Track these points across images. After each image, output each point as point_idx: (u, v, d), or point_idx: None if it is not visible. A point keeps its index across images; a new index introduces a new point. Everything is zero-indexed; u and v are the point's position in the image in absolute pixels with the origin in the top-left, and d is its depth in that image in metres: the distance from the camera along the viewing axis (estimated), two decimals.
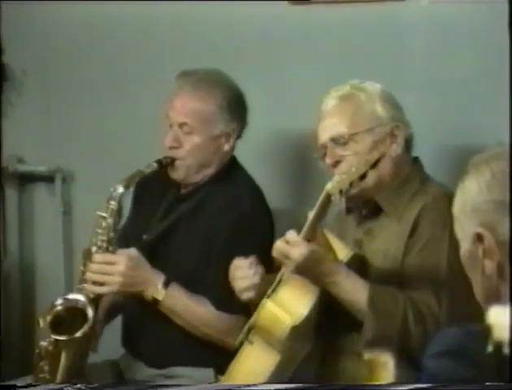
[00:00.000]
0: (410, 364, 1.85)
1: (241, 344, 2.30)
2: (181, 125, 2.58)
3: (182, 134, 2.58)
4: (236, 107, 2.61)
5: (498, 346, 1.34)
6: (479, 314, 1.58)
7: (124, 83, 2.88)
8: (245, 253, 2.42)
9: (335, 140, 2.30)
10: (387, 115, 2.31)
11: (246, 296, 2.30)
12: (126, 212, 2.62)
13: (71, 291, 2.65)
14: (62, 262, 3.29)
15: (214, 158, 2.61)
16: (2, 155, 3.35)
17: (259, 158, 2.95)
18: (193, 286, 2.55)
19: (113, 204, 2.54)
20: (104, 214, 2.54)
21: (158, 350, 2.61)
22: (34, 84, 3.36)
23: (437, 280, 2.18)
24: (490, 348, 1.34)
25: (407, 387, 1.49)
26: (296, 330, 2.19)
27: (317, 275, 2.17)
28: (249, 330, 2.27)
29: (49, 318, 2.50)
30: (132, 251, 2.55)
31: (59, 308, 2.51)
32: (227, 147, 2.62)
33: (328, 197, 2.12)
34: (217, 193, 2.61)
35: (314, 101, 2.40)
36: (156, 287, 2.52)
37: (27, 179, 3.40)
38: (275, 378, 2.21)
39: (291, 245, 2.13)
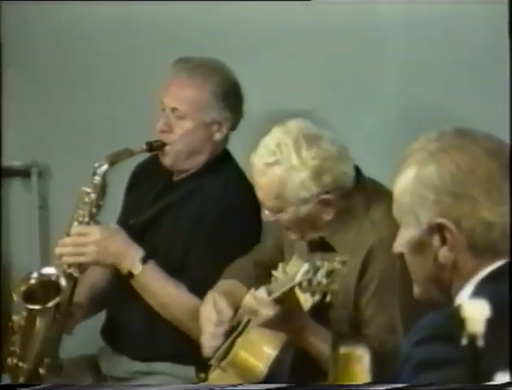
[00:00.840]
0: None
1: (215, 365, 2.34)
2: (173, 110, 2.58)
3: (174, 119, 2.59)
4: (231, 96, 2.60)
5: (472, 339, 1.34)
6: None
7: (101, 76, 2.87)
8: (229, 245, 2.45)
9: (267, 208, 2.31)
10: (312, 190, 2.22)
11: (209, 344, 2.33)
12: (111, 189, 2.59)
13: None
14: (38, 257, 3.28)
15: (204, 146, 2.61)
16: None
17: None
18: (174, 273, 2.54)
19: (97, 179, 2.53)
20: (87, 189, 2.53)
21: (141, 343, 2.60)
22: (10, 77, 3.34)
23: (395, 325, 2.20)
24: (464, 341, 1.35)
25: (387, 387, 1.49)
26: (269, 371, 2.23)
27: (284, 331, 2.20)
28: (222, 358, 2.30)
29: (22, 289, 2.49)
30: (112, 225, 2.55)
31: (33, 281, 2.50)
32: (218, 136, 2.61)
33: (295, 287, 2.09)
34: (207, 184, 2.61)
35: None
36: (133, 260, 2.50)
37: (2, 174, 3.37)
38: None
39: (259, 304, 2.15)
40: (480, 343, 1.35)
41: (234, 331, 2.35)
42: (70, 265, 2.51)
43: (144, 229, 2.63)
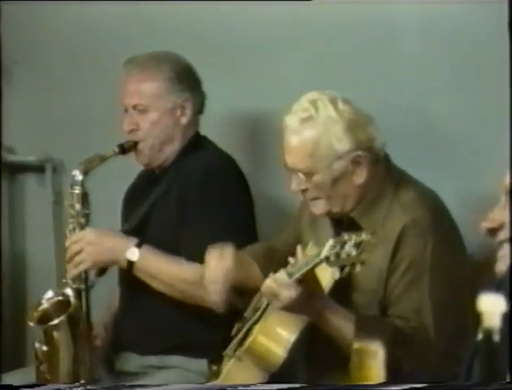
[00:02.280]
0: None
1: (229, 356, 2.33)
2: (135, 107, 2.61)
3: (138, 115, 2.61)
4: (186, 77, 2.63)
5: (488, 334, 1.33)
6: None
7: (114, 72, 2.86)
8: (216, 212, 2.48)
9: (296, 172, 2.30)
10: (346, 146, 2.25)
11: (215, 295, 2.32)
12: (93, 197, 2.62)
13: (61, 277, 2.65)
14: (53, 252, 3.29)
15: (174, 132, 2.63)
16: None
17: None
18: (171, 253, 2.54)
19: (77, 189, 2.56)
20: (70, 202, 2.57)
21: (153, 337, 2.60)
22: (24, 73, 3.35)
23: (422, 305, 2.20)
24: (480, 336, 1.34)
25: (402, 387, 1.48)
26: (287, 356, 2.22)
27: (305, 313, 2.20)
28: (237, 346, 2.30)
29: (36, 315, 2.51)
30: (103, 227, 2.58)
31: (45, 304, 2.53)
32: (184, 120, 2.63)
33: (322, 262, 2.08)
34: (186, 164, 2.62)
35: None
36: (129, 249, 2.53)
37: (17, 170, 3.39)
38: None
39: (280, 287, 2.14)
40: (496, 337, 1.33)
41: (249, 319, 2.34)
42: (75, 280, 2.54)
43: (138, 229, 2.64)
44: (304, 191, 2.30)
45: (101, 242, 2.54)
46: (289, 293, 2.12)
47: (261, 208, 2.73)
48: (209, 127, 2.74)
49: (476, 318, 1.36)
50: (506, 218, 1.65)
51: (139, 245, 2.53)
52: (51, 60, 3.30)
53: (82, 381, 2.51)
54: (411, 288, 2.21)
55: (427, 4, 2.77)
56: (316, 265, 2.10)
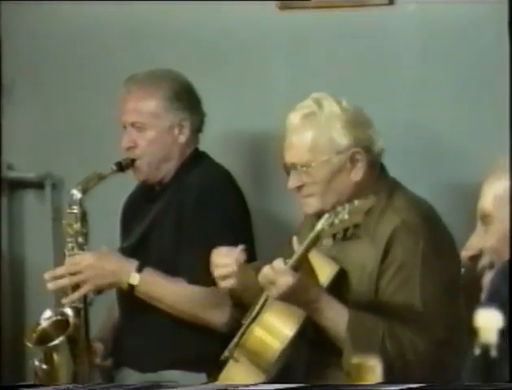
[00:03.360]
0: None
1: (227, 359, 2.30)
2: (133, 124, 2.62)
3: (136, 133, 2.62)
4: (185, 96, 2.63)
5: (485, 349, 1.33)
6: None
7: (114, 90, 2.86)
8: (211, 228, 2.49)
9: (295, 167, 2.32)
10: (345, 141, 2.28)
11: (224, 284, 2.31)
12: (91, 216, 2.61)
13: (60, 294, 2.64)
14: (52, 266, 3.25)
15: (172, 150, 2.63)
16: None
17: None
18: (171, 273, 2.55)
19: (75, 208, 2.55)
20: (68, 222, 2.56)
21: (149, 354, 2.60)
22: (24, 91, 3.35)
23: (412, 306, 2.20)
24: (477, 351, 1.33)
25: (399, 387, 1.48)
26: (284, 352, 2.21)
27: (300, 303, 2.19)
28: (235, 347, 2.28)
29: (34, 336, 2.49)
30: (102, 247, 2.57)
31: (44, 324, 2.51)
32: (182, 138, 2.63)
33: (318, 237, 2.13)
34: (184, 183, 2.62)
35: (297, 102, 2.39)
36: (129, 272, 2.52)
37: (17, 186, 3.39)
38: None
39: (277, 274, 2.14)
40: (494, 353, 1.33)
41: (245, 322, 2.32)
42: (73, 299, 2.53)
43: (137, 247, 2.64)
44: (300, 188, 2.31)
45: (102, 266, 2.53)
46: (286, 279, 2.13)
47: (259, 224, 2.73)
48: (209, 145, 2.74)
49: (473, 332, 1.36)
50: (485, 244, 1.65)
51: (140, 269, 2.52)
52: (51, 79, 3.30)
53: None
54: (403, 287, 2.22)
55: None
56: (312, 241, 2.12)
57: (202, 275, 2.46)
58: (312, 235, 2.13)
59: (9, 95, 3.36)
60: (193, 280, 2.51)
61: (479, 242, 1.68)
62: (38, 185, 3.34)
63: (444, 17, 2.77)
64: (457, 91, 2.76)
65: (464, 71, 2.75)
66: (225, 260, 2.31)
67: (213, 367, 2.39)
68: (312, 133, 2.29)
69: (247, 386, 1.85)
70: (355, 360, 1.52)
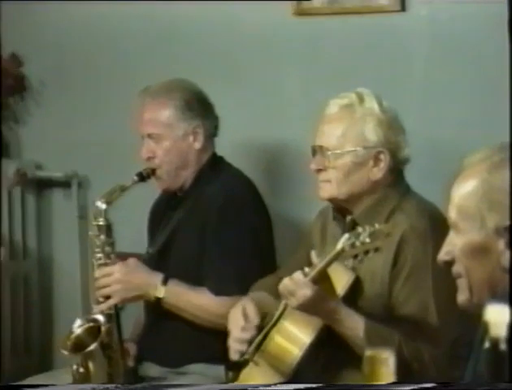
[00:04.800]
0: None
1: (246, 361, 2.30)
2: (150, 135, 2.62)
3: (153, 144, 2.62)
4: (196, 104, 2.62)
5: (495, 342, 1.32)
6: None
7: (136, 94, 2.87)
8: (235, 239, 2.47)
9: (321, 150, 2.31)
10: (375, 138, 2.27)
11: (235, 348, 2.29)
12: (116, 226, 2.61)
13: (86, 289, 2.64)
14: (78, 263, 3.29)
15: (189, 157, 2.62)
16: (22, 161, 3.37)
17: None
18: (195, 281, 2.54)
19: (101, 220, 2.56)
20: (95, 233, 2.56)
21: (171, 350, 2.60)
22: (52, 94, 3.36)
23: (427, 306, 2.18)
24: (487, 345, 1.32)
25: (410, 388, 1.46)
26: (302, 358, 2.21)
27: (318, 313, 2.18)
28: (255, 351, 2.28)
29: (69, 343, 2.49)
30: (130, 259, 2.57)
31: (77, 332, 2.51)
32: (197, 145, 2.62)
33: (338, 254, 2.11)
34: (206, 191, 2.61)
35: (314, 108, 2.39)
36: (155, 286, 2.52)
37: (45, 185, 3.40)
38: None
39: (297, 286, 2.14)
40: (503, 346, 1.32)
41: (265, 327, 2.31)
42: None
43: (161, 254, 2.64)
44: (319, 171, 2.31)
45: (129, 281, 2.53)
46: (304, 292, 2.12)
47: (278, 229, 2.71)
48: (227, 150, 2.74)
49: (483, 327, 1.35)
50: (457, 253, 1.63)
51: (165, 282, 2.53)
52: (78, 82, 3.31)
53: None
54: (416, 290, 2.20)
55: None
56: (332, 259, 2.11)
57: (226, 287, 2.47)
58: (333, 253, 2.10)
59: (37, 97, 3.37)
60: (217, 291, 2.51)
61: (448, 247, 1.65)
62: (65, 184, 3.35)
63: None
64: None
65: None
66: (242, 335, 2.29)
67: (231, 361, 2.37)
68: (346, 123, 2.28)
69: (267, 386, 1.84)
70: (369, 353, 1.51)
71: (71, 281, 3.27)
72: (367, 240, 2.06)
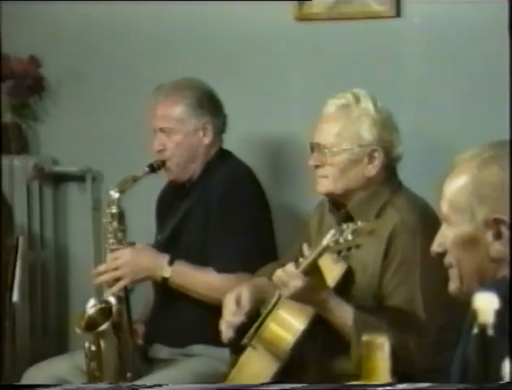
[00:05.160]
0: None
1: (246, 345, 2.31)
2: (162, 129, 2.64)
3: (165, 137, 2.63)
4: (206, 102, 2.64)
5: (483, 328, 1.32)
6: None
7: (146, 94, 2.87)
8: (236, 222, 2.49)
9: (319, 147, 2.31)
10: (370, 137, 2.28)
11: (225, 332, 2.30)
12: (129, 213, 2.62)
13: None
14: (92, 252, 3.29)
15: (198, 151, 2.64)
16: (40, 157, 3.38)
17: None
18: (201, 262, 2.56)
19: (113, 208, 2.57)
20: (108, 220, 2.57)
21: (178, 331, 2.61)
22: (68, 94, 3.36)
23: (414, 297, 2.19)
24: (476, 330, 1.33)
25: (408, 387, 1.47)
26: (296, 344, 2.22)
27: (310, 302, 2.19)
28: (252, 336, 2.28)
29: (82, 323, 2.50)
30: (138, 243, 2.58)
31: (90, 312, 2.52)
32: (206, 140, 2.64)
33: (325, 250, 2.13)
34: (211, 181, 2.63)
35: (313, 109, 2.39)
36: (162, 266, 2.53)
37: (61, 179, 3.40)
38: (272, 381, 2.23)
39: (289, 277, 2.15)
40: (490, 332, 1.32)
41: (263, 312, 2.32)
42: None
43: (170, 240, 2.65)
44: (317, 167, 2.31)
45: (137, 263, 2.54)
46: (296, 283, 2.13)
47: (280, 218, 2.72)
48: (234, 144, 2.74)
49: (472, 313, 1.35)
50: (446, 242, 1.64)
51: (171, 263, 2.54)
52: (92, 84, 3.31)
53: (128, 374, 2.51)
54: (404, 282, 2.20)
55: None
56: (319, 253, 2.12)
57: (229, 263, 2.48)
58: (318, 249, 2.12)
59: (54, 97, 3.38)
60: (221, 269, 2.52)
61: (440, 239, 1.67)
62: (80, 178, 3.35)
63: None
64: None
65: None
66: (233, 318, 2.30)
67: (235, 344, 2.38)
68: (342, 122, 2.28)
69: (250, 387, 1.84)
70: (365, 338, 1.52)
71: (85, 269, 3.26)
72: (349, 237, 2.08)
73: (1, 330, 2.80)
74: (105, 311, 2.51)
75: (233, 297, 2.32)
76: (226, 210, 2.55)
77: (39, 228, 3.37)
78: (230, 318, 2.30)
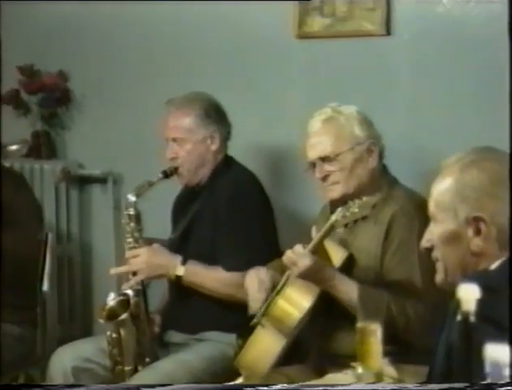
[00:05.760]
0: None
1: (255, 325, 2.30)
2: (174, 139, 2.64)
3: (176, 146, 2.64)
4: (213, 113, 2.64)
5: (466, 316, 1.33)
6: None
7: (161, 102, 2.88)
8: (242, 224, 2.49)
9: (322, 159, 2.30)
10: (363, 134, 2.29)
11: (253, 306, 2.31)
12: (145, 216, 2.63)
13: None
14: (113, 247, 3.29)
15: (206, 158, 2.64)
16: (67, 161, 3.38)
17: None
18: (210, 262, 2.56)
19: (131, 210, 2.58)
20: (126, 221, 2.58)
21: (190, 319, 2.61)
22: (92, 105, 3.37)
23: (413, 273, 2.19)
24: (459, 318, 1.33)
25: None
26: (301, 320, 2.21)
27: (318, 280, 2.19)
28: (263, 315, 2.28)
29: (104, 313, 2.51)
30: (154, 244, 2.59)
31: (111, 303, 2.53)
32: (214, 147, 2.65)
33: (332, 227, 2.14)
34: (218, 185, 2.63)
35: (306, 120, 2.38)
36: (175, 266, 2.54)
37: (85, 181, 3.40)
38: (280, 357, 2.23)
39: (297, 256, 2.15)
40: (472, 319, 1.33)
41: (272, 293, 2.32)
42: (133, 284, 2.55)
43: (181, 240, 2.66)
44: (325, 177, 2.29)
45: (153, 262, 2.55)
46: (304, 261, 2.13)
47: (281, 220, 2.71)
48: (239, 152, 2.74)
49: (456, 302, 1.36)
50: (435, 241, 1.65)
51: (184, 262, 2.55)
52: (113, 95, 3.31)
53: (147, 359, 2.52)
54: (403, 260, 2.20)
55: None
56: (327, 230, 2.13)
57: (237, 262, 2.48)
58: (327, 225, 2.13)
59: (80, 107, 3.39)
60: (229, 268, 2.52)
61: (428, 235, 1.68)
62: (102, 180, 3.35)
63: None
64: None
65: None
66: (258, 295, 2.31)
67: (242, 330, 2.38)
68: (333, 131, 2.28)
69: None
70: (359, 324, 1.52)
71: (107, 261, 3.27)
72: (356, 210, 2.11)
73: (33, 315, 2.83)
74: (124, 303, 2.52)
75: (254, 277, 2.33)
76: (234, 212, 2.55)
77: (66, 225, 3.38)
78: (255, 295, 2.30)
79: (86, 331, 3.28)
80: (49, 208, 3.29)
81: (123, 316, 2.47)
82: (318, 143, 2.29)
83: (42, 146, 3.40)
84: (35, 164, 3.35)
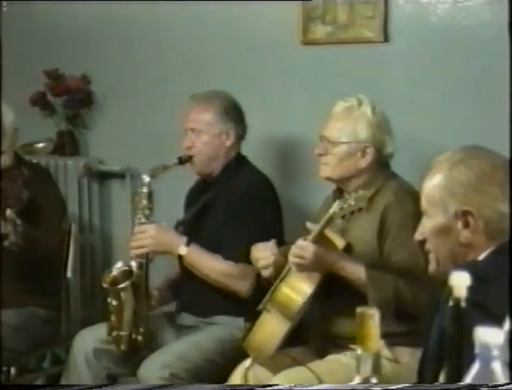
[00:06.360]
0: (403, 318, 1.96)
1: (261, 310, 2.29)
2: (192, 130, 2.63)
3: (194, 136, 2.63)
4: (231, 111, 2.64)
5: (457, 302, 1.32)
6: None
7: (177, 104, 2.86)
8: (251, 219, 2.48)
9: (324, 139, 2.34)
10: (365, 136, 2.29)
11: (265, 273, 2.30)
12: (157, 196, 2.62)
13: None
14: (131, 236, 3.28)
15: (220, 152, 2.63)
16: (89, 158, 3.38)
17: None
18: (215, 248, 2.55)
19: (144, 188, 2.57)
20: (139, 198, 2.57)
21: (202, 303, 2.60)
22: (112, 106, 3.36)
23: (414, 251, 2.14)
24: (451, 303, 1.33)
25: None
26: (304, 305, 2.21)
27: (326, 265, 2.17)
28: (267, 301, 2.27)
29: (108, 280, 2.52)
30: (162, 223, 2.58)
31: (115, 272, 2.53)
32: (228, 143, 2.63)
33: (331, 218, 2.14)
34: (230, 179, 2.62)
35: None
36: (180, 245, 2.53)
37: (105, 176, 3.40)
38: (284, 340, 2.22)
39: (302, 249, 2.14)
40: (463, 304, 1.32)
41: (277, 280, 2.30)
42: (137, 256, 2.54)
43: (191, 224, 2.65)
44: (321, 155, 2.33)
45: (160, 238, 2.53)
46: (309, 251, 2.13)
47: (288, 216, 2.70)
48: (250, 149, 2.73)
49: (448, 289, 1.35)
50: (427, 234, 1.65)
51: (188, 244, 2.54)
52: (131, 97, 3.30)
53: (141, 329, 2.52)
54: (404, 242, 2.18)
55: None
56: (326, 222, 2.13)
57: (236, 253, 2.47)
58: (326, 217, 2.14)
59: (101, 109, 3.38)
60: (227, 256, 2.51)
61: (421, 229, 1.67)
62: (121, 176, 3.35)
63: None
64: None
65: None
66: (263, 254, 2.30)
67: (249, 314, 2.38)
68: (345, 121, 2.31)
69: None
70: (359, 310, 1.51)
71: (125, 250, 3.27)
72: (352, 202, 2.11)
73: (58, 300, 2.83)
74: (127, 273, 2.51)
75: (258, 246, 2.31)
76: (245, 207, 2.53)
77: (88, 217, 3.38)
78: (261, 254, 2.29)
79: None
80: (72, 201, 3.29)
81: (124, 284, 2.47)
82: (330, 125, 2.33)
83: (66, 144, 3.40)
84: (59, 161, 3.35)
